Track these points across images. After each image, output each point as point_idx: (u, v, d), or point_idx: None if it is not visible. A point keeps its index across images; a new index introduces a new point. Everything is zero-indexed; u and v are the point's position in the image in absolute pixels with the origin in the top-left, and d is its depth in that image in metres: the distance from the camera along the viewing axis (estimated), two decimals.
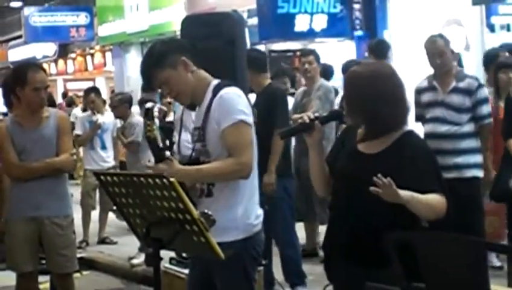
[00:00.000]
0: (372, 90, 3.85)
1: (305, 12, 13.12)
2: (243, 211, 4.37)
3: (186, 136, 5.38)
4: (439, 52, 6.88)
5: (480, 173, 6.96)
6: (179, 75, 4.38)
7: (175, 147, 6.38)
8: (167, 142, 9.85)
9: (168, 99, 10.42)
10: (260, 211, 4.50)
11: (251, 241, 4.42)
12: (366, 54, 9.12)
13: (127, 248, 9.92)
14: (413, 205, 3.73)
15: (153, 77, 4.44)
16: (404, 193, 3.68)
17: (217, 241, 3.93)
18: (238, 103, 4.34)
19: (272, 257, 7.44)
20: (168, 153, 4.46)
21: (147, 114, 4.55)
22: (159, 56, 4.39)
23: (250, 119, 4.38)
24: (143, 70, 4.47)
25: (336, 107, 8.36)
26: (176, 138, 7.75)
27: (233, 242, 4.26)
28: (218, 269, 4.34)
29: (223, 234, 4.10)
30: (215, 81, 4.46)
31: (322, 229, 9.09)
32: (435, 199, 3.80)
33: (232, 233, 4.26)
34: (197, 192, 4.38)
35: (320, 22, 13.23)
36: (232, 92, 4.37)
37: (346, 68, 9.26)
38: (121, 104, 9.80)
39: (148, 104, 4.79)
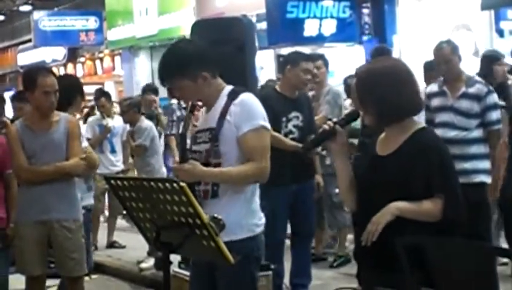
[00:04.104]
0: (380, 80, 3.92)
1: (314, 17, 13.12)
2: (247, 211, 4.44)
3: None
4: (444, 59, 6.91)
5: (487, 179, 6.96)
6: (196, 87, 4.43)
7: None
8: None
9: None
10: (262, 214, 4.56)
11: (255, 242, 4.48)
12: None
13: (136, 252, 9.94)
14: (403, 215, 3.81)
15: (170, 81, 4.51)
16: (390, 212, 3.79)
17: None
18: (258, 108, 4.44)
19: (284, 262, 7.41)
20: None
21: (192, 110, 4.59)
22: (182, 66, 4.40)
23: (268, 125, 4.47)
24: (162, 71, 4.48)
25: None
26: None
27: (238, 241, 4.27)
28: (223, 269, 4.33)
29: (228, 234, 4.07)
30: (229, 87, 4.52)
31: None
32: (424, 205, 3.83)
33: (236, 233, 4.27)
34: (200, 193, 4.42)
35: (329, 27, 13.23)
36: (252, 98, 4.46)
37: None
38: (129, 109, 9.79)
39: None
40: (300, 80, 7.25)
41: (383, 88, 3.88)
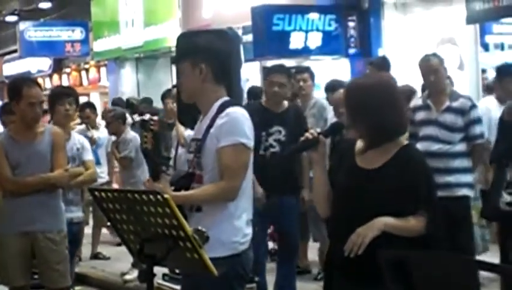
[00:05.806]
0: (376, 98, 3.90)
1: (300, 30, 13.13)
2: (230, 228, 4.37)
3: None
4: (433, 70, 6.93)
5: (470, 193, 7.00)
6: (192, 74, 4.44)
7: (171, 162, 6.41)
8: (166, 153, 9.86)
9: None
10: (249, 231, 4.48)
11: (238, 260, 4.41)
12: (368, 71, 9.15)
13: (120, 263, 9.91)
14: (389, 231, 3.81)
15: (178, 60, 4.71)
16: (378, 227, 3.79)
17: None
18: (243, 124, 4.38)
19: (266, 274, 7.42)
20: (163, 167, 4.51)
21: (143, 126, 4.59)
22: (189, 51, 4.52)
23: (251, 143, 4.42)
24: (176, 50, 4.69)
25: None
26: (172, 154, 7.79)
27: (219, 259, 4.12)
28: (205, 287, 4.28)
29: (208, 250, 3.93)
30: (223, 99, 4.48)
31: (315, 245, 9.12)
32: (410, 222, 3.85)
33: (217, 249, 4.18)
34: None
35: (315, 40, 13.25)
36: (240, 113, 4.41)
37: (329, 88, 9.22)
38: (114, 120, 9.78)
39: (146, 116, 4.84)
40: (269, 92, 7.28)
41: (379, 108, 3.87)
